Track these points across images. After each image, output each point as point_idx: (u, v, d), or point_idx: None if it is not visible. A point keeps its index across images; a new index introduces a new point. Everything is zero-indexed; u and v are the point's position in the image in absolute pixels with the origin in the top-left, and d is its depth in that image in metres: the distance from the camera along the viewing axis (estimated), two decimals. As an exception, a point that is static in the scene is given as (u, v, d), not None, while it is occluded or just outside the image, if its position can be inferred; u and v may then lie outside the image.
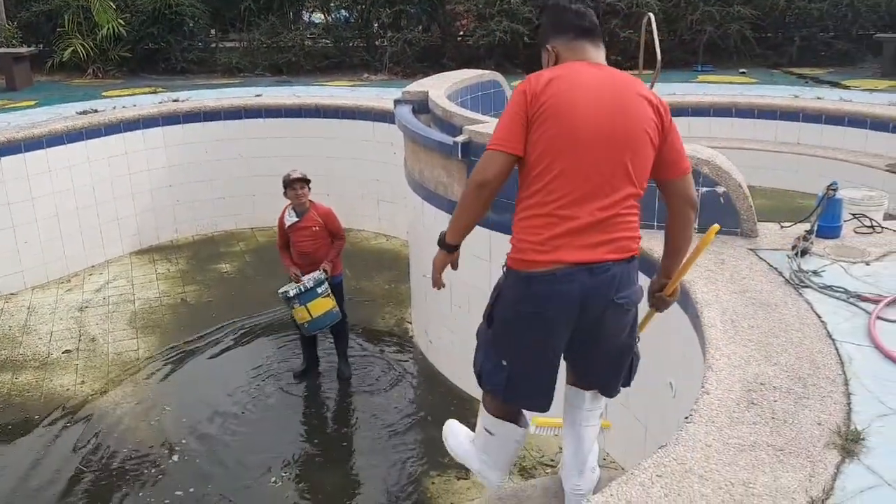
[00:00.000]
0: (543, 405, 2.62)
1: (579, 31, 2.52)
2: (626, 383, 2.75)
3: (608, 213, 2.38)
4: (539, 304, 2.43)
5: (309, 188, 5.46)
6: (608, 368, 2.66)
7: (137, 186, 8.20)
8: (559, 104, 2.36)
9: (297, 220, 5.44)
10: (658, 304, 2.78)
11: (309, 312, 5.28)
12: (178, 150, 8.45)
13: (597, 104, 2.37)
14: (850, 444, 2.28)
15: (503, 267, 2.55)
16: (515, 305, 2.49)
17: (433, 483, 4.47)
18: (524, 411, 2.79)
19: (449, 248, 2.64)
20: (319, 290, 5.28)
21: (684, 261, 2.68)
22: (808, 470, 2.19)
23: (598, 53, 2.53)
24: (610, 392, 2.73)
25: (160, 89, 10.77)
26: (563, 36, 2.54)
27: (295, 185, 5.36)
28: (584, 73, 2.43)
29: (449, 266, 2.71)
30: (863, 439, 2.31)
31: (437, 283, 2.75)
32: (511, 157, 2.40)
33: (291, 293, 5.26)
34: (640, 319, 2.73)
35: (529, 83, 2.43)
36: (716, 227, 2.63)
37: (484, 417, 2.81)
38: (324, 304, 5.32)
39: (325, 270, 5.35)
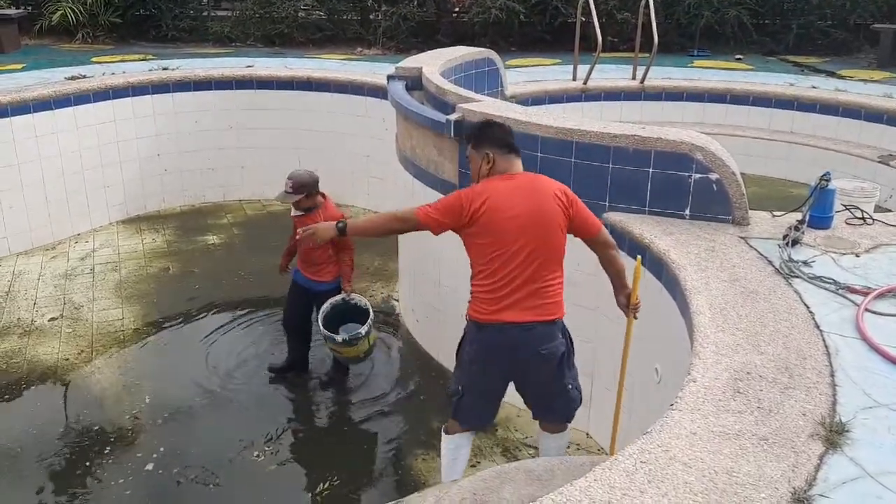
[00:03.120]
0: (481, 425, 3.79)
1: (510, 147, 3.41)
2: (568, 418, 3.65)
3: (535, 289, 3.25)
4: (484, 347, 3.34)
5: (309, 196, 4.85)
6: (543, 402, 3.60)
7: (125, 155, 8.11)
8: (494, 225, 3.22)
9: (301, 213, 4.93)
10: (633, 311, 3.53)
11: (369, 340, 4.91)
12: (167, 118, 8.35)
13: (525, 214, 3.22)
14: (834, 435, 2.28)
15: (466, 316, 3.42)
16: (471, 345, 3.39)
17: (417, 461, 4.48)
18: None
19: (342, 231, 3.52)
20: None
21: (633, 280, 3.48)
22: (792, 460, 2.19)
23: (518, 163, 3.42)
24: (554, 419, 3.67)
25: (150, 57, 10.61)
26: (499, 149, 3.38)
27: (289, 201, 4.87)
28: (509, 191, 3.27)
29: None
30: (847, 431, 2.31)
31: (302, 234, 3.68)
32: (425, 228, 3.33)
33: (364, 331, 4.74)
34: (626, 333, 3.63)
35: (468, 199, 3.26)
36: (638, 260, 3.45)
37: (443, 439, 3.75)
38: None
39: (346, 292, 4.97)
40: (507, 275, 3.25)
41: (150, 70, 8.77)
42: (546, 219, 3.29)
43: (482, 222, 3.24)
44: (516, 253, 3.24)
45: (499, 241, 3.25)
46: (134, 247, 7.59)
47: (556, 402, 3.58)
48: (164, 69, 8.82)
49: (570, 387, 3.54)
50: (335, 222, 3.56)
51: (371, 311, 4.87)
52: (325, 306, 4.91)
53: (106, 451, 4.51)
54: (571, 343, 3.53)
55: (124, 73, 8.60)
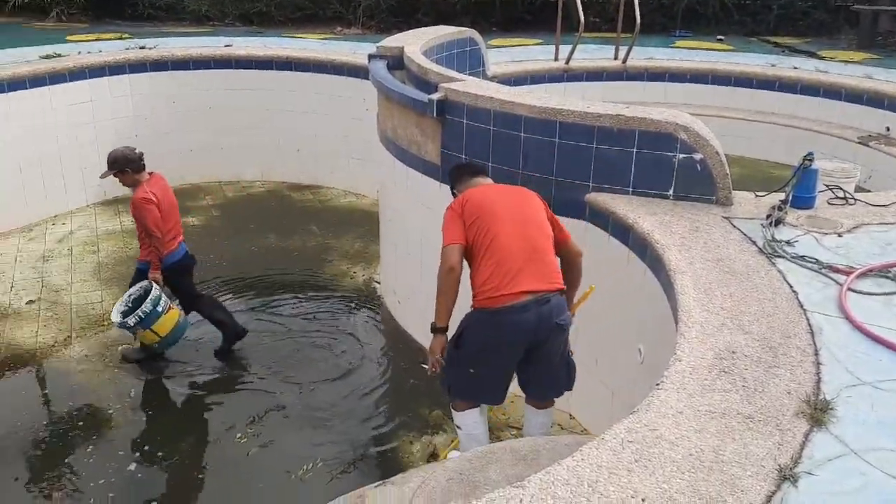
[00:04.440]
0: (500, 399, 3.64)
1: (471, 173, 3.85)
2: (569, 387, 3.72)
3: (539, 257, 3.38)
4: (500, 330, 3.33)
5: (124, 172, 4.92)
6: (550, 377, 3.63)
7: (102, 135, 7.96)
8: (479, 208, 3.46)
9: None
10: None
11: (156, 333, 4.89)
12: (144, 99, 8.22)
13: (502, 199, 3.53)
14: (818, 413, 2.29)
15: (472, 307, 3.42)
16: (482, 333, 3.39)
17: (402, 442, 4.47)
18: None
19: (442, 331, 3.49)
20: (160, 308, 4.85)
21: (578, 298, 3.75)
22: (777, 438, 2.20)
23: (484, 179, 3.81)
24: (555, 394, 3.76)
25: (126, 35, 10.44)
26: (461, 182, 3.81)
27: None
28: (485, 189, 3.65)
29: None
30: (831, 409, 2.33)
31: (436, 367, 3.57)
32: (461, 246, 3.41)
33: (131, 322, 4.76)
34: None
35: (455, 205, 3.55)
36: (592, 287, 3.80)
37: (455, 419, 3.77)
38: (170, 320, 4.93)
39: (155, 282, 4.92)
40: (509, 243, 3.35)
41: (127, 49, 8.62)
42: (528, 199, 3.58)
43: (470, 208, 3.47)
44: (510, 222, 3.41)
45: (490, 215, 3.43)
46: (112, 228, 7.48)
47: (560, 374, 3.64)
48: (142, 48, 8.67)
49: (571, 356, 3.67)
50: (431, 329, 3.52)
51: (149, 302, 4.79)
52: (134, 288, 5.08)
53: (84, 437, 4.47)
54: None
55: (100, 52, 8.45)
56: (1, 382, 5.01)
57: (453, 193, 3.85)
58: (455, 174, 3.92)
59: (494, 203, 3.49)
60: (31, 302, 6.02)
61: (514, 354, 3.45)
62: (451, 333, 3.55)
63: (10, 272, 6.51)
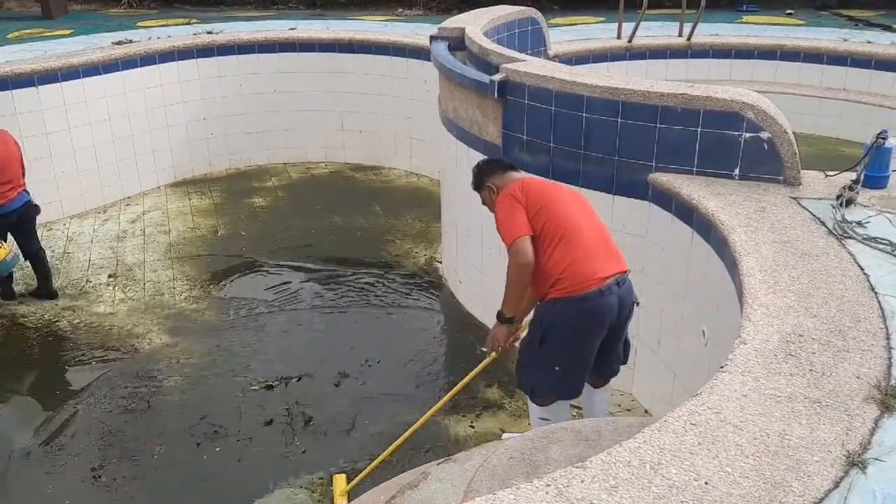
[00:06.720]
0: (579, 392, 3.60)
1: (504, 167, 3.71)
2: (625, 362, 3.73)
3: (605, 238, 3.40)
4: (587, 316, 3.30)
5: None
6: (616, 355, 3.62)
7: (172, 119, 8.21)
8: (543, 194, 3.41)
9: None
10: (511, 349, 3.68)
11: None
12: (211, 83, 8.42)
13: (558, 188, 3.53)
14: (890, 399, 2.25)
15: (549, 298, 3.35)
16: (570, 322, 3.32)
17: (459, 421, 4.53)
18: None
19: (509, 321, 3.48)
20: None
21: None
22: (846, 423, 2.17)
23: (522, 174, 3.69)
24: (616, 373, 3.75)
25: (194, 20, 10.68)
26: (495, 176, 3.65)
27: None
28: (537, 179, 3.63)
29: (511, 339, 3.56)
30: (903, 394, 2.28)
31: (498, 352, 3.57)
32: (530, 237, 3.33)
33: None
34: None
35: (514, 192, 3.42)
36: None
37: (539, 412, 3.66)
38: None
39: None
40: (582, 229, 3.34)
41: (195, 34, 8.82)
42: (575, 192, 3.63)
43: (534, 196, 3.40)
44: (576, 209, 3.42)
45: (557, 202, 3.40)
46: (182, 209, 7.72)
47: (621, 351, 3.64)
48: (209, 33, 8.86)
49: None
50: (498, 318, 3.49)
51: None
52: None
53: (168, 405, 4.67)
54: None
55: (169, 37, 8.67)
56: (82, 355, 5.26)
57: (481, 188, 3.68)
58: (487, 169, 3.72)
59: (556, 189, 3.48)
60: (107, 279, 6.27)
61: (598, 339, 3.40)
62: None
63: (86, 251, 6.80)
